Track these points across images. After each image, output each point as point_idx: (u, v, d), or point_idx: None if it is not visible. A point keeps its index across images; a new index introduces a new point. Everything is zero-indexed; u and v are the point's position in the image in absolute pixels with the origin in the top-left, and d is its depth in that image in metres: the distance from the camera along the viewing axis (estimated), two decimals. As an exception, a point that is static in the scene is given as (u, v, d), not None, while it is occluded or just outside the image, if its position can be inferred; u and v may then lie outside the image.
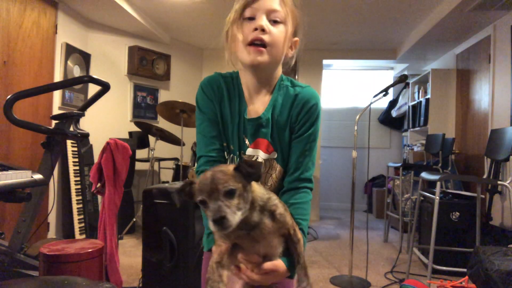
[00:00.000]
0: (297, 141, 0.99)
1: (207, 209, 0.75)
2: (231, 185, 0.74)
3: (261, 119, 0.98)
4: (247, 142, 1.00)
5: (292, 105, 0.99)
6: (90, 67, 3.85)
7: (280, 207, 0.84)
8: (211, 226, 0.73)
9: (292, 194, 0.97)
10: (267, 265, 0.83)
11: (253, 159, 1.00)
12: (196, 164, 1.02)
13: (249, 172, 0.77)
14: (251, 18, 0.93)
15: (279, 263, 0.84)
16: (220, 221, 0.72)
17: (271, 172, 1.01)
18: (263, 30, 0.91)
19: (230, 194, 0.74)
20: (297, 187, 0.98)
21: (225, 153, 1.01)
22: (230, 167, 0.79)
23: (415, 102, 5.08)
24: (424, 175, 2.74)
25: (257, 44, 0.92)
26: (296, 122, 0.99)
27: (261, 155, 1.00)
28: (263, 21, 0.91)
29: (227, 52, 1.01)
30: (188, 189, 0.79)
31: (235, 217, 0.74)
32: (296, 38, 1.01)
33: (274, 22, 0.93)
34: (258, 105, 1.01)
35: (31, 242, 2.07)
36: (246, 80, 1.01)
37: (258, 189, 0.81)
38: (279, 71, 1.03)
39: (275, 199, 0.84)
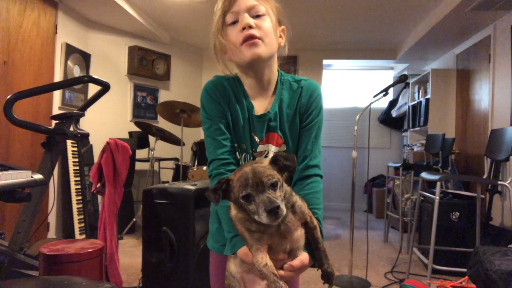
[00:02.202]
0: (306, 129, 1.03)
1: (250, 204, 0.76)
2: (275, 177, 0.77)
3: (269, 114, 1.01)
4: (256, 139, 1.02)
5: (299, 97, 1.03)
6: (90, 67, 3.85)
7: (298, 199, 0.86)
8: (264, 218, 0.74)
9: (304, 184, 0.99)
10: (296, 263, 0.84)
11: (264, 154, 1.02)
12: (207, 168, 1.03)
13: (285, 165, 0.80)
14: (235, 22, 0.95)
15: (304, 258, 0.86)
16: (275, 210, 0.73)
17: None
18: (250, 27, 0.93)
19: (274, 186, 0.76)
20: (308, 175, 1.00)
21: (237, 153, 1.02)
22: (265, 161, 0.81)
23: (415, 102, 5.08)
24: (424, 175, 2.74)
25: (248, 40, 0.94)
26: (305, 111, 1.03)
27: (272, 149, 1.02)
28: (248, 19, 0.93)
29: (219, 64, 1.03)
30: (224, 187, 0.80)
31: (284, 206, 0.76)
32: (282, 27, 1.03)
33: (257, 17, 0.95)
34: (264, 102, 1.03)
35: (31, 242, 2.07)
36: (248, 81, 1.03)
37: (284, 184, 0.83)
38: (276, 66, 1.05)
39: (294, 193, 0.87)
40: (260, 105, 1.03)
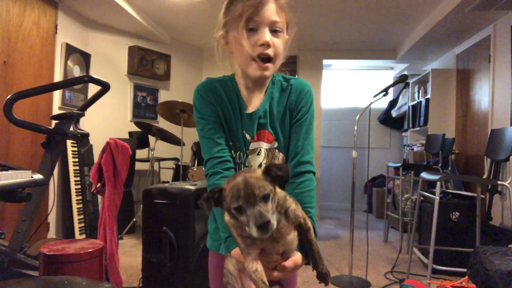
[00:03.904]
0: (297, 125, 1.04)
1: (242, 215, 0.76)
2: (266, 189, 0.76)
3: (259, 111, 1.03)
4: (248, 137, 1.03)
5: (289, 94, 1.06)
6: (90, 67, 3.84)
7: (292, 203, 0.86)
8: (254, 232, 0.74)
9: (297, 183, 0.99)
10: (289, 264, 0.85)
11: (256, 152, 1.03)
12: (204, 167, 1.03)
13: (278, 175, 0.79)
14: (253, 29, 0.96)
15: (297, 258, 0.87)
16: (265, 226, 0.73)
17: (274, 160, 1.05)
18: (268, 45, 0.95)
19: (265, 198, 0.76)
20: (300, 172, 1.00)
21: (232, 151, 1.04)
22: (258, 171, 0.80)
23: (415, 102, 5.08)
24: (424, 175, 2.74)
25: (263, 58, 0.96)
26: (295, 108, 1.05)
27: (264, 146, 1.04)
28: (267, 37, 0.95)
29: (220, 56, 1.04)
30: (217, 196, 0.80)
31: (275, 220, 0.76)
32: (286, 37, 1.04)
33: (275, 32, 0.97)
34: (256, 101, 1.05)
35: (31, 242, 2.07)
36: (244, 82, 1.05)
37: (277, 189, 0.83)
38: None
39: (288, 197, 0.86)
40: (252, 104, 1.05)
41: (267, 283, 0.80)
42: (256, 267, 0.81)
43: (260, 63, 0.96)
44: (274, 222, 0.75)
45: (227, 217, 0.87)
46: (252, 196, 0.75)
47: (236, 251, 0.88)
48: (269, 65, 0.97)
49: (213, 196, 0.79)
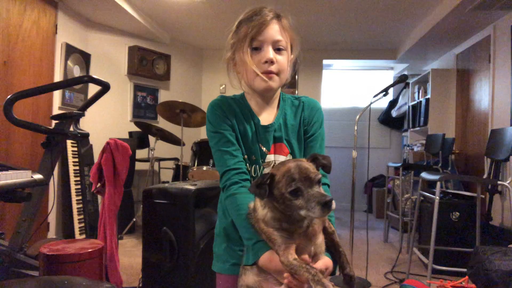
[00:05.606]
0: (311, 140, 1.09)
1: (297, 198, 0.77)
2: (319, 174, 0.79)
3: (274, 124, 1.06)
4: (264, 149, 1.05)
5: (302, 111, 1.11)
6: (90, 67, 3.85)
7: None
8: (317, 211, 0.75)
9: None
10: (319, 265, 0.85)
11: (272, 164, 1.04)
12: (219, 181, 1.03)
13: (323, 163, 0.83)
14: (257, 48, 1.01)
15: (327, 261, 0.88)
16: (329, 203, 0.75)
17: None
18: (271, 62, 1.00)
19: (319, 182, 0.79)
20: None
21: (247, 165, 1.04)
22: (304, 160, 0.84)
23: (415, 102, 5.08)
24: (424, 175, 2.74)
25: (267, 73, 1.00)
26: (309, 123, 1.10)
27: (280, 159, 1.06)
28: (271, 54, 0.99)
29: (231, 76, 1.09)
30: (269, 182, 0.81)
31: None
32: (291, 56, 1.08)
33: (278, 50, 1.02)
34: (269, 116, 1.09)
35: (31, 242, 2.07)
36: (254, 100, 1.09)
37: None
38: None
39: None
40: (265, 119, 1.08)
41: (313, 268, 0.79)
42: (295, 256, 0.80)
43: (266, 74, 1.00)
44: (334, 202, 0.77)
45: (261, 212, 0.86)
46: (308, 179, 0.77)
47: (265, 257, 0.86)
48: (273, 75, 1.00)
49: (266, 181, 0.80)
